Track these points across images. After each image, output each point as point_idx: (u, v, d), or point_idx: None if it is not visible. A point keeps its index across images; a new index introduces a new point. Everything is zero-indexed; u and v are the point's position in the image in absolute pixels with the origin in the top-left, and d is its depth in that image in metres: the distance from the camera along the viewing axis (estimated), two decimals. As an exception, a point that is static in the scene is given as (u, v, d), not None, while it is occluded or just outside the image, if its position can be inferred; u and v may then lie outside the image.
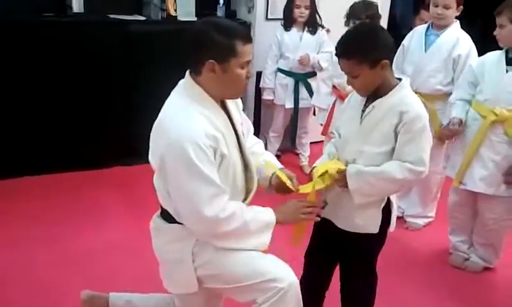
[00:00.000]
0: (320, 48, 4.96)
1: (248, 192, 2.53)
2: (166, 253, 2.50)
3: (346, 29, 3.17)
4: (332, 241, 2.72)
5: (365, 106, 2.54)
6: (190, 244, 2.39)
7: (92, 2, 5.03)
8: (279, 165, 2.69)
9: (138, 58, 5.05)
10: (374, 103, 2.50)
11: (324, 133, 4.65)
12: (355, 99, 2.63)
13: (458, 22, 3.97)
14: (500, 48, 3.47)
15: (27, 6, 4.68)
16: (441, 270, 3.86)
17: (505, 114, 3.37)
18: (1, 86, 4.62)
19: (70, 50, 4.77)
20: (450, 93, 3.81)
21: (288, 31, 5.01)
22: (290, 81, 5.08)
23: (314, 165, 2.67)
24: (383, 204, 2.58)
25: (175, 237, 2.43)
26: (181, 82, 2.41)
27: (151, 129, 2.37)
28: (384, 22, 5.44)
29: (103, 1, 5.14)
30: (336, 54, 2.50)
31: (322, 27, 5.01)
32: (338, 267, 2.85)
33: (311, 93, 5.06)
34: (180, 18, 5.17)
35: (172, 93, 2.41)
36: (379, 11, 4.33)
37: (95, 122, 5.04)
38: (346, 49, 2.45)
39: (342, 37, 2.51)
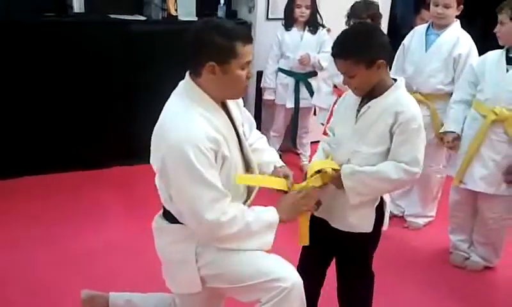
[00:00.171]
0: (321, 48, 4.96)
1: (249, 193, 2.53)
2: (169, 253, 2.50)
3: (347, 28, 3.16)
4: (326, 240, 2.72)
5: (360, 106, 2.54)
6: (193, 244, 2.38)
7: (93, 2, 5.03)
8: (280, 162, 2.68)
9: (139, 58, 5.04)
10: (369, 104, 2.50)
11: (325, 133, 4.64)
12: (349, 99, 2.63)
13: (458, 21, 3.96)
14: (501, 47, 3.47)
15: (27, 6, 4.68)
16: (441, 269, 3.85)
17: (505, 114, 3.37)
18: (1, 86, 4.62)
19: (70, 50, 4.78)
20: (451, 93, 3.82)
21: (289, 30, 5.01)
22: (290, 81, 5.08)
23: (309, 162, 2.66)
24: (376, 204, 2.59)
25: (177, 238, 2.42)
26: (181, 83, 2.40)
27: (151, 129, 2.36)
28: (385, 22, 5.44)
29: (103, 1, 5.14)
30: (332, 54, 2.50)
31: (323, 26, 5.01)
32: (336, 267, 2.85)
33: (311, 92, 5.06)
34: (181, 18, 5.17)
35: (172, 95, 2.40)
36: (380, 11, 4.32)
37: (96, 122, 5.04)
38: (342, 49, 2.45)
39: (338, 37, 2.51)
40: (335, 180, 2.53)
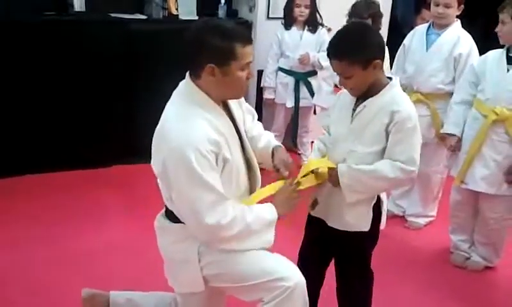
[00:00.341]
0: (321, 47, 4.95)
1: (251, 192, 2.53)
2: (171, 253, 2.50)
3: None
4: (324, 240, 2.72)
5: (356, 105, 2.54)
6: (195, 244, 2.38)
7: (93, 1, 5.03)
8: (277, 143, 2.67)
9: (139, 57, 5.04)
10: (364, 103, 2.50)
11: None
12: (345, 98, 2.62)
13: (459, 21, 3.96)
14: (501, 47, 3.47)
15: (28, 5, 4.67)
16: (442, 269, 3.85)
17: (506, 113, 3.36)
18: (2, 86, 4.62)
19: (71, 49, 4.77)
20: (452, 92, 3.81)
21: (289, 29, 5.00)
22: (290, 80, 5.07)
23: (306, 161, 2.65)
24: (373, 202, 2.59)
25: (180, 237, 2.42)
26: (181, 84, 2.40)
27: (152, 129, 2.35)
28: (385, 21, 5.43)
29: (104, 0, 5.13)
30: (328, 56, 2.50)
31: (323, 25, 5.00)
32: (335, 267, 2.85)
33: (311, 92, 5.05)
34: (182, 17, 5.18)
35: (173, 96, 2.40)
36: (381, 10, 4.32)
37: (96, 121, 5.04)
38: (338, 50, 2.45)
39: (333, 38, 2.51)
40: (331, 177, 2.53)
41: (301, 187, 2.52)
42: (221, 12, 5.40)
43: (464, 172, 3.58)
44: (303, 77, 5.05)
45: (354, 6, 4.24)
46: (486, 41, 3.88)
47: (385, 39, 5.42)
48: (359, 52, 2.39)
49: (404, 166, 2.45)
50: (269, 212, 2.40)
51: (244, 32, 2.34)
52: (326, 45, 4.95)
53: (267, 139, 2.68)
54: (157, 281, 2.78)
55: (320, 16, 4.98)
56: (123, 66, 5.02)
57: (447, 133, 3.72)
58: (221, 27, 2.28)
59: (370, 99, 2.49)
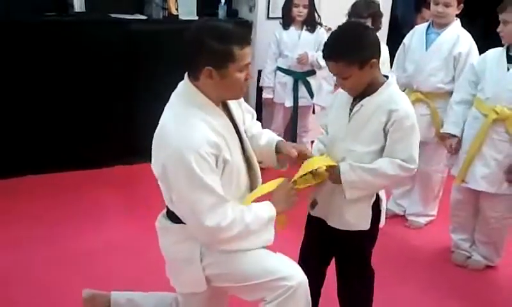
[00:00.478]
0: (319, 47, 4.93)
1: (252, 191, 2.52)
2: (173, 253, 2.49)
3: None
4: (325, 239, 2.72)
5: (353, 105, 2.54)
6: (197, 244, 2.38)
7: (93, 1, 5.02)
8: (279, 138, 2.66)
9: (139, 57, 5.05)
10: (362, 102, 2.50)
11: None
12: (342, 97, 2.62)
13: (459, 20, 3.96)
14: (501, 46, 3.46)
15: (28, 6, 4.68)
16: (443, 268, 3.85)
17: (506, 113, 3.36)
18: (3, 86, 4.62)
19: (71, 49, 4.78)
20: (451, 91, 3.82)
21: (287, 29, 4.99)
22: (289, 80, 5.05)
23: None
24: (372, 201, 2.59)
25: (182, 237, 2.41)
26: (180, 85, 2.39)
27: (152, 129, 2.35)
28: (386, 21, 5.43)
29: (104, 0, 5.13)
30: (323, 57, 2.49)
31: (321, 25, 4.99)
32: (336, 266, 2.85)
33: (310, 91, 5.04)
34: (182, 17, 5.17)
35: (171, 97, 2.39)
36: (381, 10, 4.32)
37: (96, 121, 5.04)
38: (334, 52, 2.44)
39: (328, 40, 2.50)
40: (332, 175, 2.53)
41: (298, 187, 2.51)
42: (221, 12, 5.39)
43: (464, 171, 3.58)
44: (301, 76, 5.04)
45: (354, 5, 4.24)
46: (485, 40, 3.87)
47: (385, 39, 5.44)
48: (355, 52, 2.39)
49: (404, 164, 2.45)
50: (268, 210, 2.40)
51: (242, 33, 2.31)
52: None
53: (268, 136, 2.67)
54: (158, 281, 2.78)
55: (318, 15, 4.97)
56: (123, 66, 5.02)
57: (447, 134, 3.72)
58: (218, 29, 2.27)
59: (367, 98, 2.49)
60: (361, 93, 2.50)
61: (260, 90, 5.35)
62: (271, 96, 5.17)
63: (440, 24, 3.94)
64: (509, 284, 3.73)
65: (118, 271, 3.53)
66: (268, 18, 5.44)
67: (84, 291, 2.89)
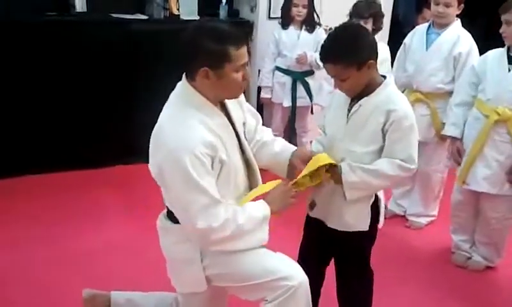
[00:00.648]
0: (318, 47, 4.91)
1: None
2: (173, 253, 2.50)
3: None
4: (324, 240, 2.72)
5: (351, 105, 2.54)
6: (198, 244, 2.38)
7: (95, 1, 5.03)
8: (292, 147, 2.65)
9: (140, 57, 5.05)
10: (360, 102, 2.49)
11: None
12: (339, 98, 2.61)
13: (459, 20, 3.95)
14: (502, 46, 3.45)
15: (29, 6, 4.68)
16: (443, 268, 3.84)
17: (508, 114, 3.35)
18: (3, 86, 4.62)
19: (72, 49, 4.78)
20: (451, 92, 3.82)
21: (286, 29, 4.98)
22: (287, 80, 5.03)
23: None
24: (371, 201, 2.59)
25: (182, 237, 2.41)
26: (178, 85, 2.39)
27: (152, 129, 2.35)
28: (387, 21, 5.42)
29: (105, 0, 5.14)
30: (321, 59, 2.49)
31: (320, 25, 4.99)
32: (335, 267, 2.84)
33: (309, 91, 5.03)
34: (183, 17, 5.17)
35: (170, 97, 2.39)
36: (382, 10, 4.31)
37: (96, 121, 5.05)
38: (331, 54, 2.44)
39: (325, 42, 2.49)
40: (334, 175, 2.52)
41: (298, 189, 2.50)
42: (222, 12, 5.39)
43: (466, 172, 3.57)
44: (300, 76, 5.02)
45: (355, 5, 4.23)
46: (486, 40, 3.87)
47: (387, 39, 5.43)
48: (353, 54, 2.38)
49: (403, 164, 2.45)
50: (262, 209, 2.39)
51: (238, 33, 2.30)
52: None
53: (282, 144, 2.68)
54: (158, 281, 2.78)
55: (317, 16, 4.96)
56: (124, 66, 5.02)
57: (448, 136, 3.72)
58: (214, 29, 2.26)
59: (365, 98, 2.48)
60: (359, 93, 2.50)
61: (260, 90, 5.35)
62: (268, 96, 5.16)
63: (440, 24, 3.93)
64: (509, 285, 3.72)
65: (118, 271, 3.53)
66: (269, 18, 5.43)
67: (84, 291, 2.89)
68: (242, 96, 2.54)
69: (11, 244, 3.77)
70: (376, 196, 2.61)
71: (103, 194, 4.62)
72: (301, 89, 5.03)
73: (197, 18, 5.14)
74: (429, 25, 4.03)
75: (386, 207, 3.85)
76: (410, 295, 3.53)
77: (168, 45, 4.84)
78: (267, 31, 5.31)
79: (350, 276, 2.75)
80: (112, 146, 5.11)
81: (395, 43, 4.39)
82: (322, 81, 4.94)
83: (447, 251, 3.99)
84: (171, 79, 2.46)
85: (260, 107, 5.39)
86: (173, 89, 2.40)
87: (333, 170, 2.52)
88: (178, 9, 5.18)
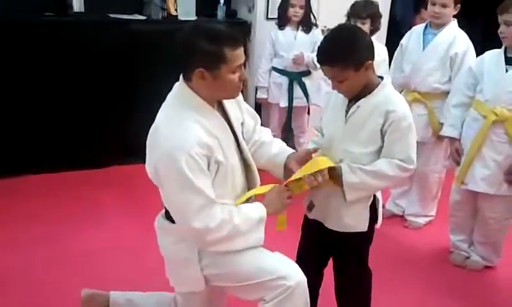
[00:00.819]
0: (315, 47, 4.92)
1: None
2: (172, 252, 2.50)
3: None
4: (322, 241, 2.73)
5: (349, 106, 2.54)
6: (196, 244, 2.38)
7: (92, 2, 5.04)
8: (291, 150, 2.66)
9: (138, 58, 5.05)
10: (358, 103, 2.50)
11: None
12: (337, 99, 2.61)
13: (456, 20, 3.96)
14: (499, 47, 3.46)
15: (27, 6, 4.69)
16: (441, 268, 3.85)
17: (505, 114, 3.36)
18: (2, 86, 4.62)
19: (70, 49, 4.78)
20: (448, 91, 3.83)
21: (283, 29, 4.98)
22: (284, 80, 5.03)
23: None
24: (370, 202, 2.60)
25: (180, 237, 2.41)
26: (175, 86, 2.40)
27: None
28: (384, 22, 5.43)
29: (103, 1, 5.14)
30: (318, 62, 2.49)
31: (317, 26, 4.99)
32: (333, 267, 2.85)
33: (305, 92, 5.03)
34: (181, 17, 5.17)
35: (167, 98, 2.39)
36: (380, 11, 4.32)
37: (95, 121, 5.05)
38: (328, 56, 2.44)
39: (321, 44, 2.48)
40: (333, 177, 2.52)
41: (293, 192, 2.50)
42: (220, 13, 5.39)
43: (464, 173, 3.58)
44: (296, 76, 5.02)
45: (353, 6, 4.23)
46: (484, 41, 3.87)
47: (384, 40, 5.43)
48: (350, 56, 2.38)
49: (402, 164, 2.46)
50: (258, 210, 2.39)
51: (234, 34, 2.29)
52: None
53: (280, 145, 2.69)
54: (157, 281, 2.78)
55: (314, 16, 4.97)
56: (122, 66, 5.02)
57: (446, 136, 3.73)
58: (209, 30, 2.25)
59: (363, 99, 2.49)
60: (356, 94, 2.50)
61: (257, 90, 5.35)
62: (265, 96, 5.16)
63: (437, 25, 3.94)
64: (507, 285, 3.73)
65: (118, 271, 3.53)
66: (267, 18, 5.43)
67: (82, 291, 2.89)
68: (240, 96, 2.54)
69: (11, 244, 3.77)
70: (374, 196, 2.62)
71: (103, 194, 4.63)
72: (297, 90, 5.03)
73: (195, 18, 5.13)
74: (426, 26, 4.03)
75: (384, 207, 3.85)
76: (409, 295, 3.53)
77: (166, 45, 4.87)
78: (265, 31, 5.30)
79: (348, 276, 2.75)
80: (112, 146, 5.11)
81: (392, 44, 4.40)
82: (320, 81, 4.94)
83: (445, 251, 3.99)
84: (170, 79, 2.46)
85: (258, 107, 5.40)
86: (171, 90, 2.41)
87: (332, 171, 2.52)
88: (176, 10, 5.18)
